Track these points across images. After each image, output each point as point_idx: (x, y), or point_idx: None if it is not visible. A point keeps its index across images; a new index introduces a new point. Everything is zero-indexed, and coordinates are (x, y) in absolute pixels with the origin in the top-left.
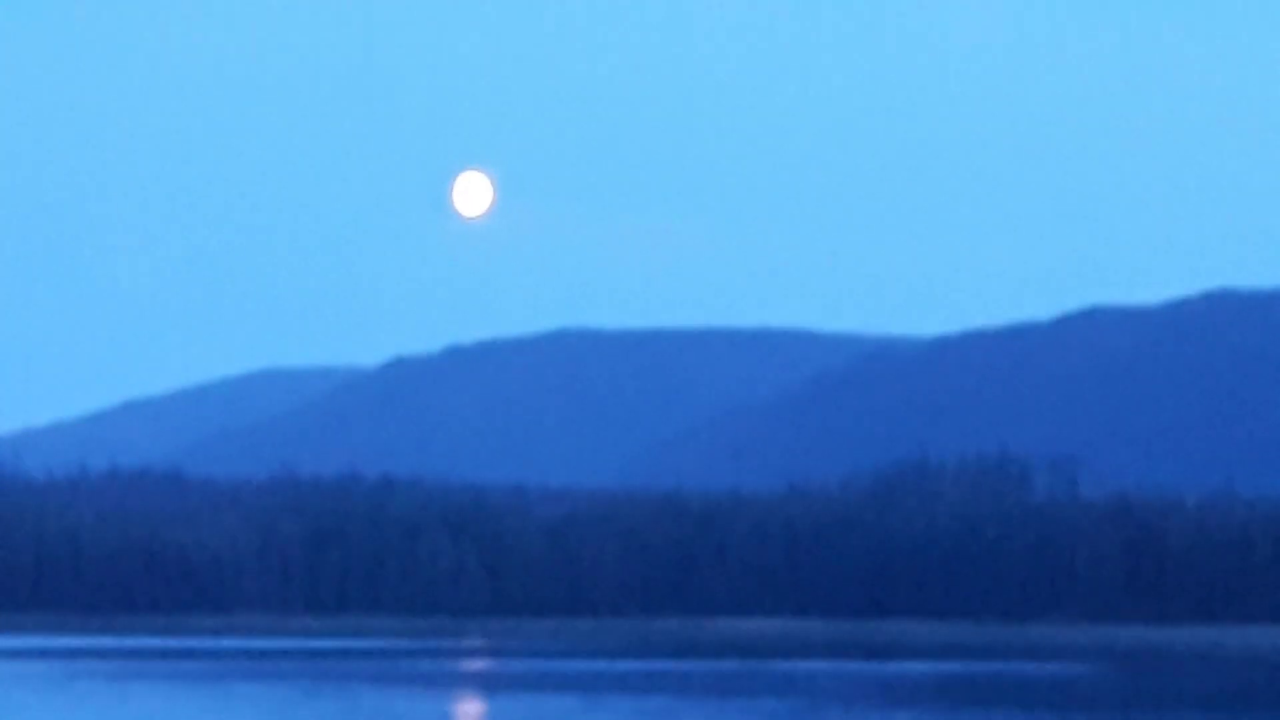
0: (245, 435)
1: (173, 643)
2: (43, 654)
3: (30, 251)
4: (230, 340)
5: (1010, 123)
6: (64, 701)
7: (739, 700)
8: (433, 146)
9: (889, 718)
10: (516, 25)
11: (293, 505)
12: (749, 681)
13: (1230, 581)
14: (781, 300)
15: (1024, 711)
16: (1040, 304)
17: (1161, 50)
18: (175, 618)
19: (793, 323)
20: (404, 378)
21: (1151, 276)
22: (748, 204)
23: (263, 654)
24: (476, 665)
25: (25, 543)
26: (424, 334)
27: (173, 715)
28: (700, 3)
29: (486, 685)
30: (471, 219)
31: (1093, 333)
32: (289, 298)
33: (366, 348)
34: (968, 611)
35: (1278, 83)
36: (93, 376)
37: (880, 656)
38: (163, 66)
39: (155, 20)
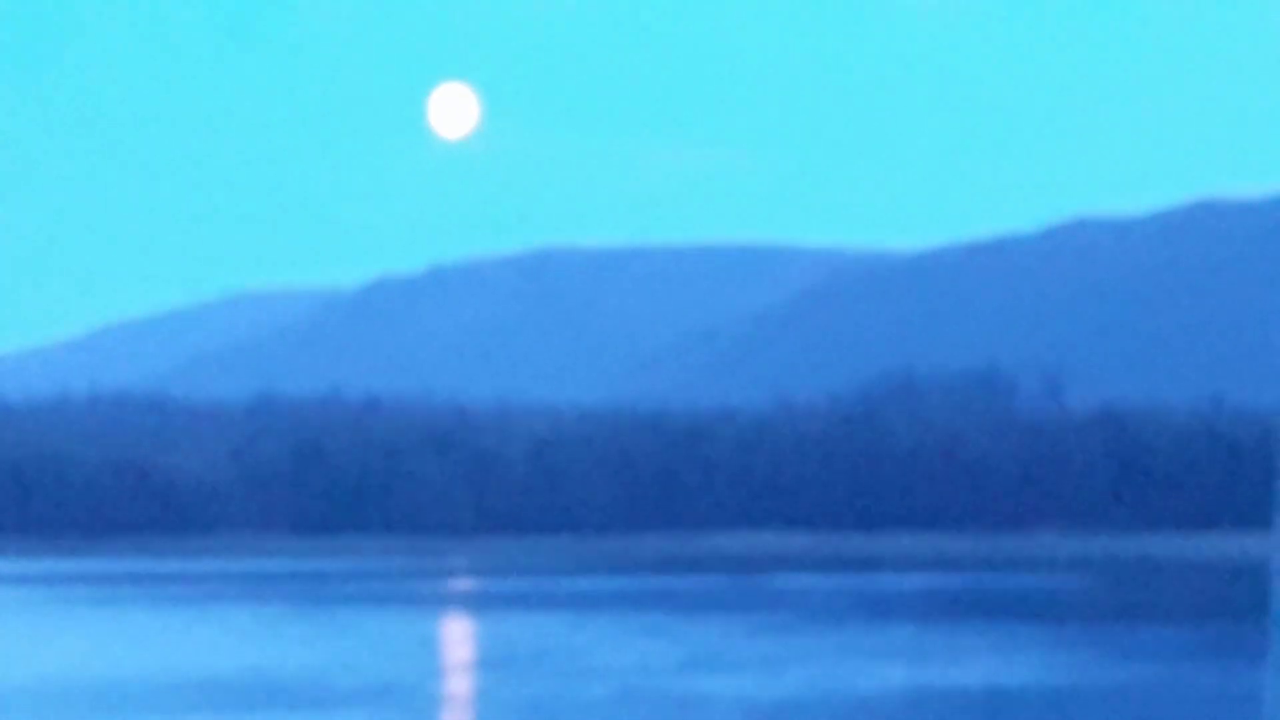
0: (227, 358)
1: (156, 566)
2: (24, 579)
3: (6, 177)
4: (212, 263)
5: (995, 33)
6: (47, 626)
7: (727, 615)
8: (416, 67)
9: (878, 631)
10: None
11: (275, 427)
12: (737, 596)
13: (1217, 491)
14: (765, 216)
15: (1013, 622)
16: (1026, 216)
17: None
18: (158, 541)
19: (777, 239)
20: (386, 298)
21: (1137, 187)
22: (730, 122)
23: (247, 576)
24: (462, 584)
25: (5, 467)
26: (406, 254)
27: (158, 638)
28: None
29: (473, 604)
30: (454, 139)
31: (1079, 245)
32: (270, 219)
33: (348, 269)
34: (955, 524)
35: None
36: (73, 300)
37: (868, 570)
38: None
39: None
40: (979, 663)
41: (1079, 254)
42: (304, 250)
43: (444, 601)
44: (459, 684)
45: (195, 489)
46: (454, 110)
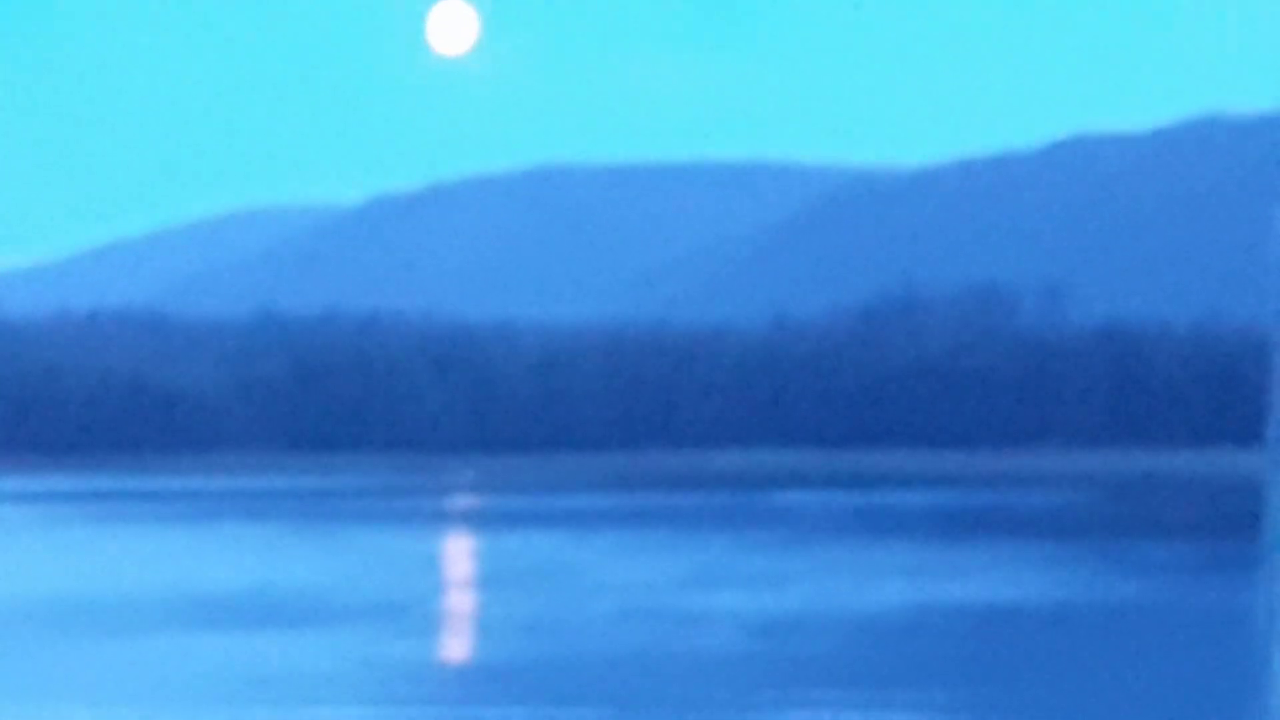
0: (226, 275)
1: (155, 483)
2: (23, 496)
3: (4, 95)
4: (210, 180)
5: None
6: (45, 544)
7: (729, 532)
8: None
9: (880, 547)
10: None
11: (275, 344)
12: (738, 513)
13: (1220, 407)
14: (766, 133)
15: (1015, 539)
16: (1027, 132)
17: None
18: (157, 458)
19: (777, 155)
20: (386, 215)
21: (1139, 103)
22: (729, 38)
23: (246, 494)
24: (463, 501)
25: (4, 384)
26: (405, 171)
27: (157, 556)
28: None
29: (473, 521)
30: (453, 55)
31: (1080, 161)
32: (268, 136)
33: (347, 186)
34: (956, 440)
35: None
36: (72, 218)
37: (869, 487)
38: None
39: None
40: (980, 579)
41: (1080, 170)
42: (303, 167)
43: (445, 519)
44: (460, 601)
45: (194, 406)
46: (453, 26)
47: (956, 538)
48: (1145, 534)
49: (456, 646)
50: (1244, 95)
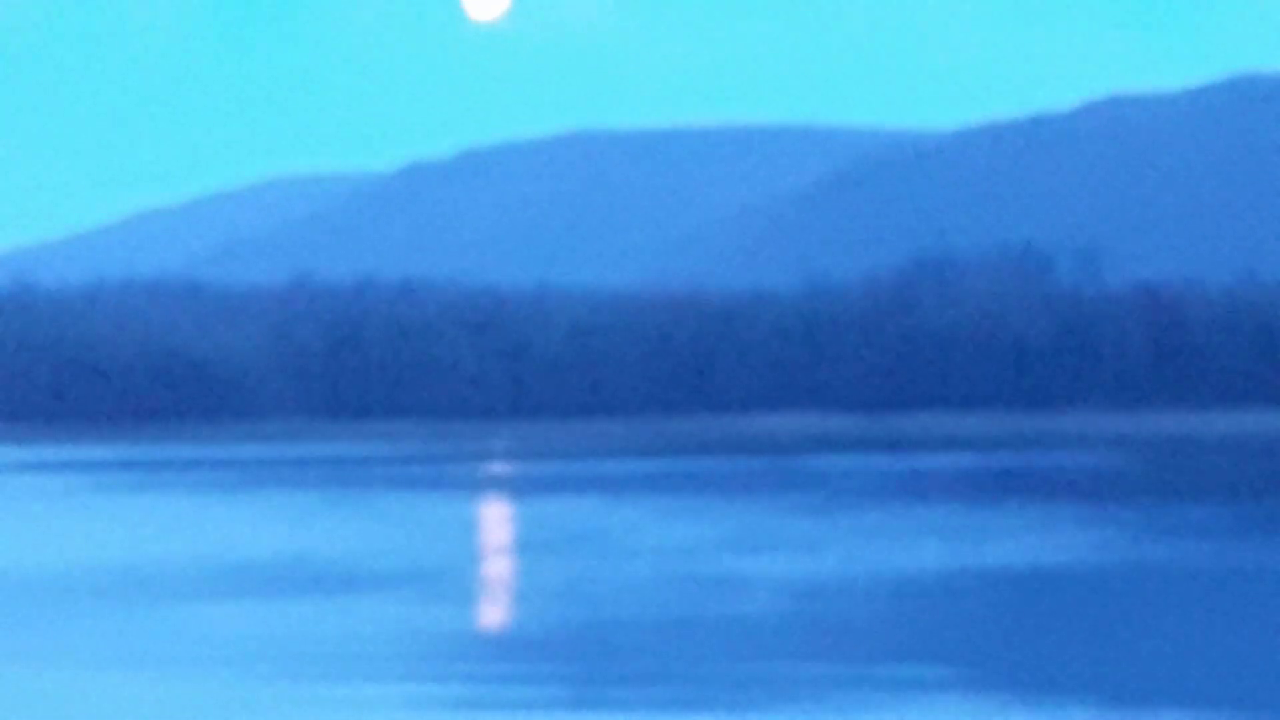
0: (261, 243)
1: (192, 452)
2: (64, 466)
3: (41, 63)
4: (245, 148)
5: None
6: (84, 512)
7: (764, 496)
8: None
9: (916, 511)
10: None
11: (311, 312)
12: (773, 478)
13: (1255, 367)
14: (798, 97)
15: (1052, 502)
16: (1061, 94)
17: None
18: (195, 427)
19: (810, 119)
20: (420, 182)
21: (1173, 63)
22: (763, 2)
23: (284, 462)
24: (500, 468)
25: (43, 355)
26: (440, 138)
27: (194, 524)
28: None
29: (510, 488)
30: (486, 20)
31: (1114, 122)
32: (304, 104)
33: (382, 153)
34: (992, 403)
35: None
36: (108, 187)
37: (905, 450)
38: None
39: None
40: (1016, 542)
41: (1114, 131)
42: (337, 135)
43: (481, 485)
44: (497, 567)
45: (231, 375)
46: None
47: (992, 501)
48: (1181, 496)
49: (494, 613)
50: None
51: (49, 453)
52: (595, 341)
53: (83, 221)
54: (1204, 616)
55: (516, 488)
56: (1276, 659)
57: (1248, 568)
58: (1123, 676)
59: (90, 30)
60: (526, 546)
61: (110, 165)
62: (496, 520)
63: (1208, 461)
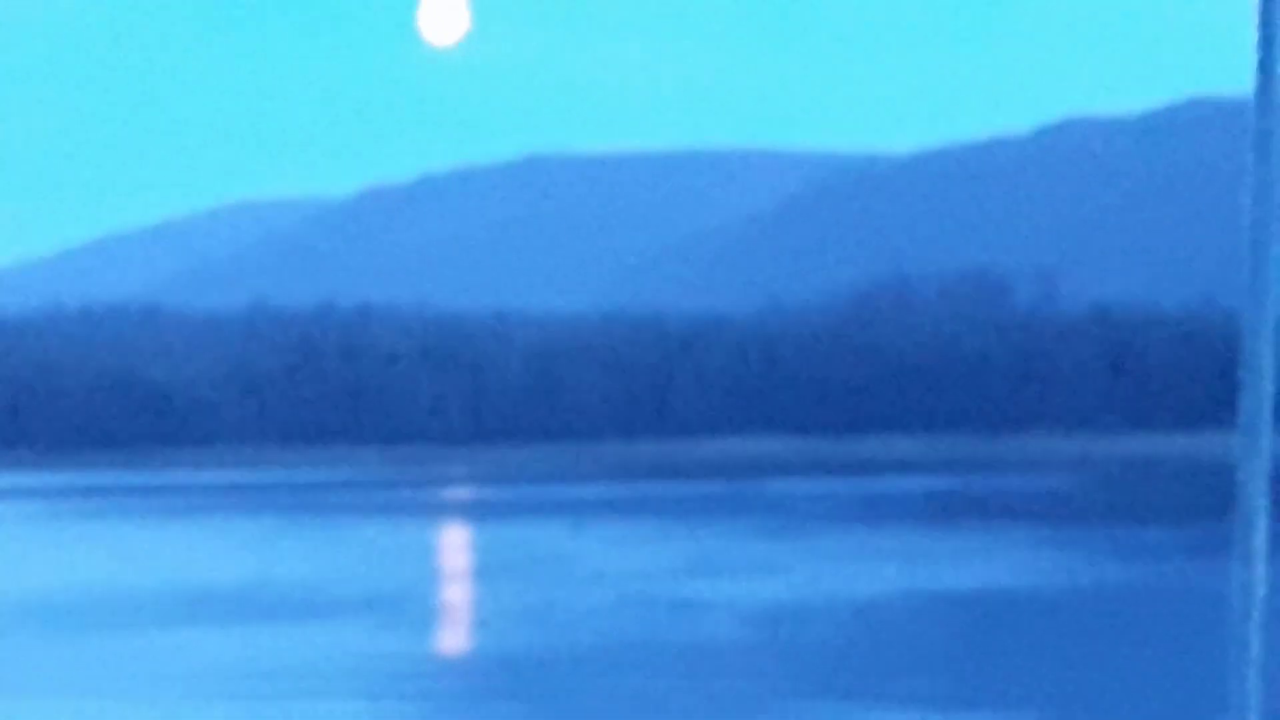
0: (220, 268)
1: (150, 478)
2: (22, 492)
3: None
4: (202, 174)
5: None
6: (42, 539)
7: (724, 520)
8: None
9: (875, 534)
10: None
11: (269, 337)
12: (733, 501)
13: (1212, 391)
14: (754, 121)
15: (1010, 524)
16: (1017, 117)
17: None
18: (152, 452)
19: (766, 143)
20: (378, 207)
21: (1129, 87)
22: (719, 26)
23: (242, 487)
24: (459, 493)
25: (0, 380)
26: (397, 163)
27: (153, 551)
28: None
29: (469, 512)
30: (443, 46)
31: (1071, 145)
32: (260, 129)
33: (339, 178)
34: (950, 425)
35: None
36: (65, 213)
37: (864, 473)
38: None
39: None
40: (974, 565)
41: (1071, 154)
42: (294, 160)
43: (441, 510)
44: (457, 592)
45: (189, 400)
46: (443, 16)
47: (950, 523)
48: (1138, 518)
49: (453, 638)
50: (1233, 77)
51: (5, 480)
52: (554, 365)
53: (41, 247)
54: (1159, 639)
55: (476, 512)
56: (1220, 680)
57: (1203, 590)
58: (1077, 698)
59: (49, 58)
60: (486, 571)
61: (68, 191)
62: (456, 545)
63: (1164, 484)
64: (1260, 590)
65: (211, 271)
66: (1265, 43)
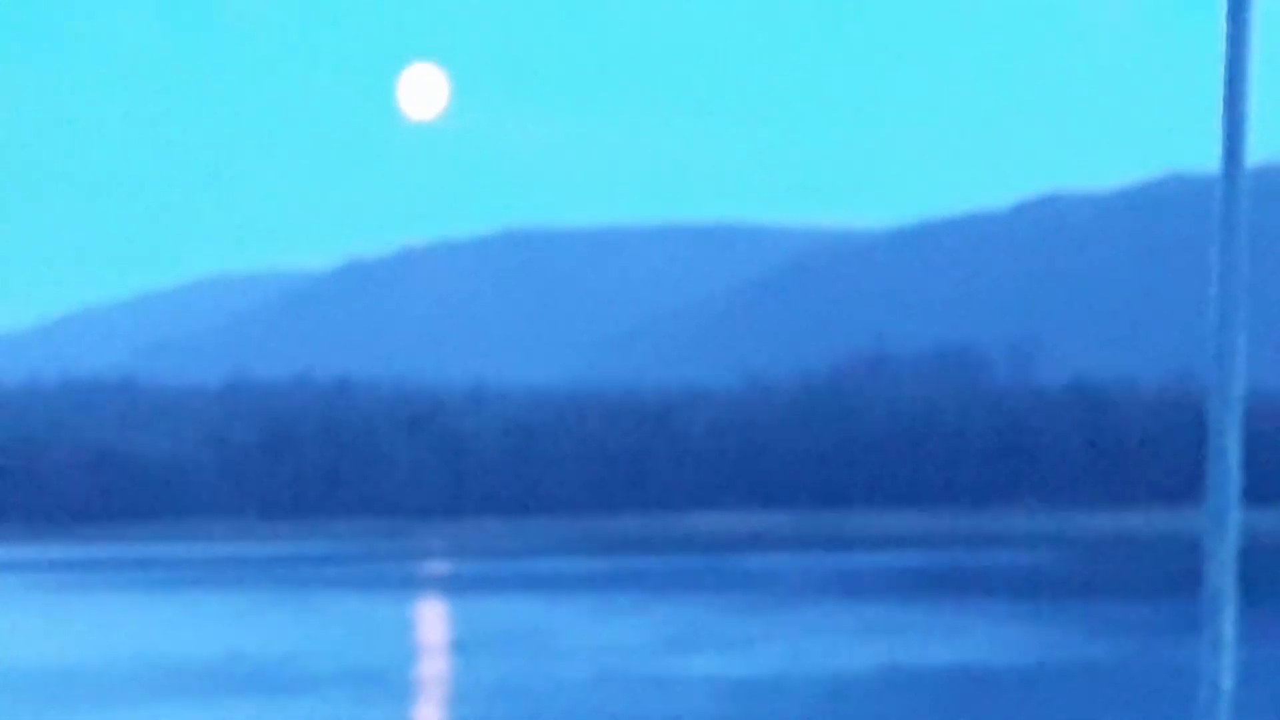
0: (197, 341)
1: (128, 551)
2: None
3: None
4: (179, 246)
5: (961, 7)
6: (20, 613)
7: (702, 595)
8: (385, 47)
9: (853, 609)
10: None
11: (247, 410)
12: (712, 576)
13: (1190, 466)
14: (733, 195)
15: (987, 600)
16: (996, 192)
17: None
18: (130, 526)
19: (746, 218)
20: (357, 280)
21: (1107, 163)
22: (697, 101)
23: (220, 561)
24: (437, 566)
25: None
26: (376, 236)
27: (132, 624)
28: None
29: (447, 586)
30: (423, 120)
31: (1050, 220)
32: (239, 202)
33: (318, 251)
34: (928, 501)
35: None
36: (42, 286)
37: (843, 548)
38: None
39: None
40: (951, 640)
41: (1050, 229)
42: (273, 233)
43: (419, 584)
44: (435, 666)
45: (167, 474)
46: (423, 91)
47: (928, 599)
48: (1117, 595)
49: (431, 713)
50: (1211, 153)
51: None
52: (531, 439)
53: (17, 320)
54: (1138, 714)
55: (453, 586)
56: None
57: (1180, 666)
58: None
59: (22, 128)
60: (463, 646)
61: (45, 264)
62: (433, 619)
63: (1142, 560)
64: (1227, 682)
65: (190, 344)
66: (1229, 123)
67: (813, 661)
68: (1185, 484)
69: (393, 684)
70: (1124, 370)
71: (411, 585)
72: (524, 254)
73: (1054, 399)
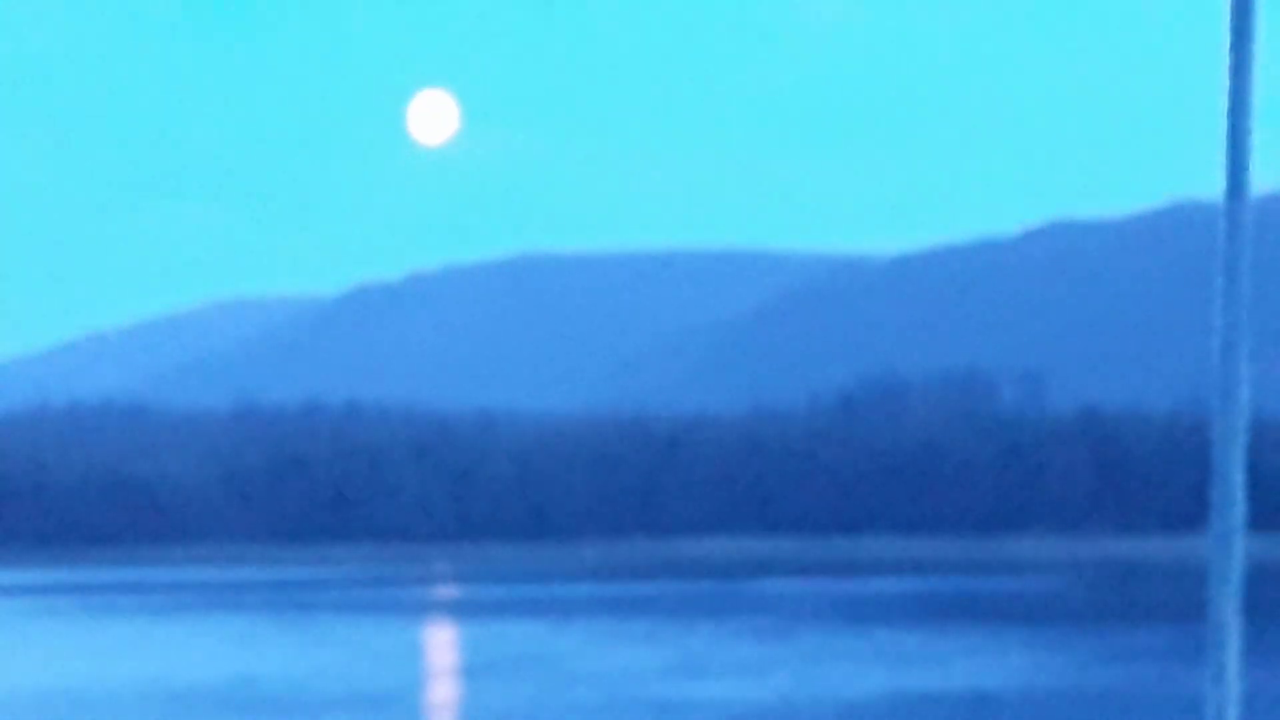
0: (207, 366)
1: (137, 575)
2: (7, 590)
3: None
4: (191, 272)
5: (971, 36)
6: (29, 637)
7: (710, 621)
8: (395, 73)
9: (861, 635)
10: None
11: (256, 435)
12: (719, 602)
13: (1198, 492)
14: (742, 222)
15: (996, 626)
16: (1005, 219)
17: None
18: (139, 550)
19: (756, 244)
20: (366, 306)
21: (1116, 189)
22: (707, 128)
23: (229, 585)
24: (444, 591)
25: None
26: (386, 261)
27: (141, 648)
28: None
29: (455, 611)
30: (433, 145)
31: (1058, 247)
32: (250, 227)
33: (328, 276)
34: (937, 527)
35: None
36: (53, 310)
37: (851, 574)
38: None
39: None
40: (961, 666)
41: (1058, 256)
42: (284, 258)
43: (427, 608)
44: (443, 691)
45: (176, 498)
46: (433, 116)
47: (936, 625)
48: (1125, 621)
49: None
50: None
51: None
52: (540, 465)
53: (28, 344)
54: None
55: (462, 611)
56: None
57: (1188, 693)
58: None
59: (36, 152)
60: (472, 670)
61: (56, 288)
62: (442, 644)
63: (1151, 586)
64: (1232, 713)
65: (199, 369)
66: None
67: (822, 687)
68: (1193, 510)
69: (402, 709)
70: (1132, 397)
71: (420, 610)
72: (533, 279)
73: (1062, 425)
